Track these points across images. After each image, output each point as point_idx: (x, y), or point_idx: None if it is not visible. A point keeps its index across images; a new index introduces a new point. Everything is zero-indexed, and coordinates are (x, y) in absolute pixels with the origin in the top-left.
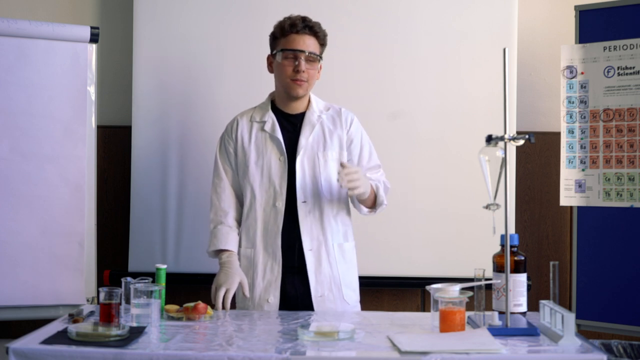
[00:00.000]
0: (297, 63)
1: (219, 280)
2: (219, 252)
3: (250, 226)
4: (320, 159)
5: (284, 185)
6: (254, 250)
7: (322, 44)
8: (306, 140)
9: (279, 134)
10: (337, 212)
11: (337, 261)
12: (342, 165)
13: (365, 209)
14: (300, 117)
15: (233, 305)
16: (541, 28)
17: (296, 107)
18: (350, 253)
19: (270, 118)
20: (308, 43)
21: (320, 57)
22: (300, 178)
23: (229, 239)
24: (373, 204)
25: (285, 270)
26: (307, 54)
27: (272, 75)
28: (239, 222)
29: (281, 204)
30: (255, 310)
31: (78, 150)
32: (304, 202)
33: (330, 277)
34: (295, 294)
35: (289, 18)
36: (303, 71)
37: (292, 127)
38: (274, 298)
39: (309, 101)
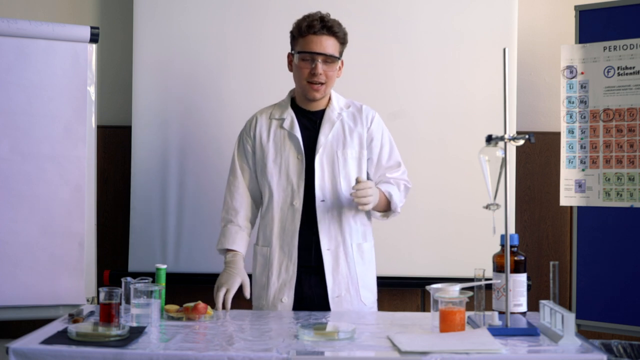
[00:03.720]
0: (313, 66)
1: (220, 280)
2: (225, 251)
3: (267, 225)
4: (339, 157)
5: (301, 184)
6: (270, 249)
7: (342, 42)
8: (325, 138)
9: (298, 132)
10: (356, 211)
11: (355, 262)
12: (357, 180)
13: (377, 214)
14: (320, 114)
15: (234, 306)
16: (541, 28)
17: (316, 105)
18: (369, 253)
19: (290, 115)
20: (326, 44)
21: (339, 57)
22: (319, 177)
23: (237, 239)
24: (386, 208)
25: (302, 270)
26: (324, 56)
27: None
28: (252, 221)
29: (299, 203)
30: (257, 310)
31: (78, 150)
32: (323, 200)
33: (348, 277)
34: (312, 294)
35: (308, 17)
36: (320, 74)
37: (311, 124)
38: (288, 298)
39: (330, 98)
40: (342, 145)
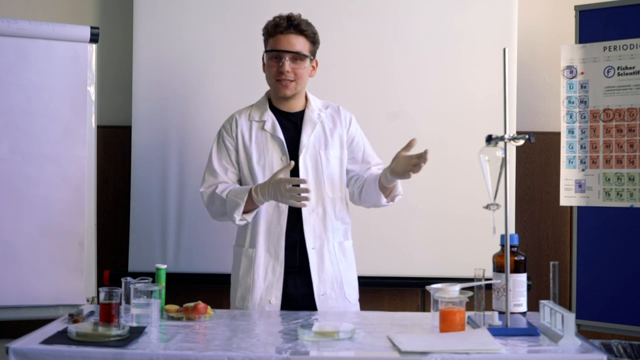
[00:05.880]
0: (280, 64)
1: (276, 191)
2: (249, 206)
3: (252, 226)
4: (322, 157)
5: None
6: (255, 250)
7: (313, 41)
8: (308, 138)
9: (280, 134)
10: (338, 210)
11: (337, 260)
12: (426, 152)
13: (384, 199)
14: (300, 115)
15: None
16: (541, 28)
17: (294, 106)
18: (349, 251)
19: (270, 117)
20: (293, 42)
21: (310, 56)
22: (304, 176)
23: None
24: (389, 193)
25: (288, 270)
26: (291, 53)
27: None
28: None
29: (284, 205)
30: (257, 311)
31: (78, 150)
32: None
33: (332, 275)
34: (297, 294)
35: (277, 17)
36: (288, 71)
37: (292, 125)
38: (276, 299)
39: (307, 99)
40: (325, 145)
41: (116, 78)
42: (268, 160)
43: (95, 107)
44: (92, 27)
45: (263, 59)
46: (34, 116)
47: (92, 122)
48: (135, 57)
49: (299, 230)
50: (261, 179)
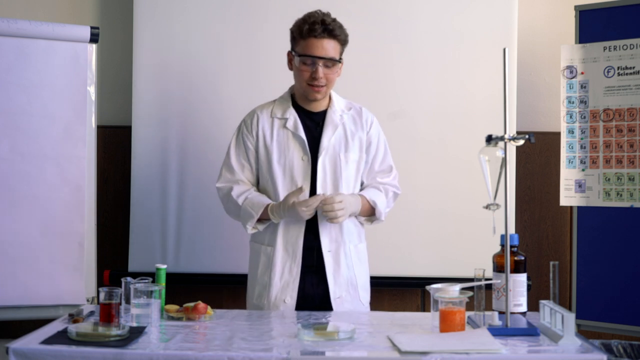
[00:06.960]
0: (314, 69)
1: (290, 213)
2: (263, 216)
3: (272, 224)
4: (341, 159)
5: (307, 185)
6: (274, 249)
7: (343, 44)
8: (328, 140)
9: (302, 133)
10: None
11: (353, 262)
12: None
13: (362, 218)
14: (322, 115)
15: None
16: (541, 28)
17: (317, 105)
18: (364, 254)
19: (292, 115)
20: (327, 47)
21: (340, 60)
22: (322, 178)
23: (264, 198)
24: (370, 213)
25: (305, 269)
26: (325, 59)
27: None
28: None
29: None
30: (257, 310)
31: (78, 150)
32: None
33: (348, 278)
34: (314, 293)
35: (310, 18)
36: (321, 77)
37: (314, 125)
38: (291, 299)
39: (330, 98)
40: (345, 148)
41: (116, 78)
42: (288, 159)
43: (95, 107)
44: (92, 27)
45: (289, 55)
46: (34, 116)
47: (92, 122)
48: (135, 57)
49: (316, 232)
50: (280, 177)
